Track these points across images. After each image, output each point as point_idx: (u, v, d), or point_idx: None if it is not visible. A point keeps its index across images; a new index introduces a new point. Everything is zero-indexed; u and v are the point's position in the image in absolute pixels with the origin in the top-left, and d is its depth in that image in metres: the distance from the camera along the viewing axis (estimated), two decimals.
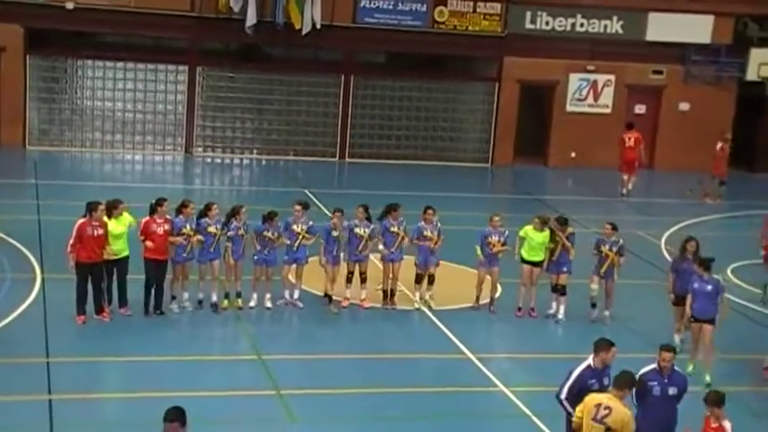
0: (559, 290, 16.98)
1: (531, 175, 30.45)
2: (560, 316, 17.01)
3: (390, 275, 17.00)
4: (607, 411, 9.84)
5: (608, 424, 9.82)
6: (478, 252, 16.91)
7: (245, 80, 29.49)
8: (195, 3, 27.98)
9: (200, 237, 15.74)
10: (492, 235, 16.87)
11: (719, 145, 27.46)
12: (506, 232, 16.96)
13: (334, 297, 16.63)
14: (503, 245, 16.83)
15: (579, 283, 17.05)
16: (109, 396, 13.04)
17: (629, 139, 27.95)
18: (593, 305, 16.97)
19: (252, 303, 16.42)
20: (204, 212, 16.08)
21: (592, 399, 10.09)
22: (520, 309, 17.15)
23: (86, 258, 15.01)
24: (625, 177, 27.85)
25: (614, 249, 16.66)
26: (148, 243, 15.39)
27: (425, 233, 16.87)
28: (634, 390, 11.00)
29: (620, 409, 9.86)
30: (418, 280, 17.13)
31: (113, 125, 28.80)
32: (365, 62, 30.74)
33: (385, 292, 17.05)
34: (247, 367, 14.39)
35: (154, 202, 15.71)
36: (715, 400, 10.51)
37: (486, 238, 16.86)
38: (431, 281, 17.18)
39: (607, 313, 16.95)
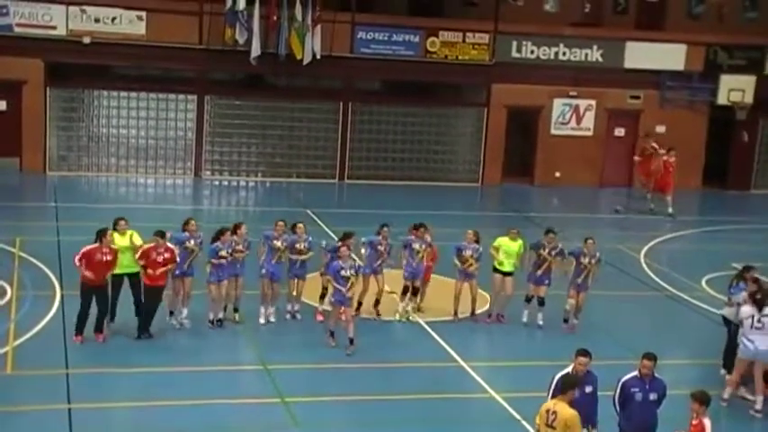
0: (539, 301, 16.88)
1: (518, 193, 30.45)
2: (540, 322, 16.87)
3: (379, 287, 16.84)
4: (554, 416, 9.83)
5: (555, 426, 9.82)
6: (456, 262, 16.89)
7: (250, 107, 29.51)
8: (203, 36, 28.04)
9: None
10: (465, 250, 16.79)
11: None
12: (480, 248, 16.86)
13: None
14: (476, 260, 16.76)
15: (560, 294, 17.03)
16: (124, 405, 12.99)
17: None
18: (566, 320, 16.85)
19: (261, 320, 16.33)
20: (217, 237, 15.73)
21: (544, 406, 10.10)
22: (489, 315, 17.12)
23: (92, 282, 14.80)
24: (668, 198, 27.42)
25: (593, 261, 16.67)
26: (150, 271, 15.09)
27: (414, 246, 16.79)
28: (617, 395, 11.01)
29: (563, 411, 9.82)
30: (404, 291, 17.05)
31: (127, 151, 28.79)
32: (362, 90, 30.75)
33: (360, 303, 16.75)
34: (253, 376, 14.35)
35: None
36: (700, 398, 10.38)
37: (460, 252, 16.83)
38: (415, 292, 17.09)
39: (576, 321, 16.87)
